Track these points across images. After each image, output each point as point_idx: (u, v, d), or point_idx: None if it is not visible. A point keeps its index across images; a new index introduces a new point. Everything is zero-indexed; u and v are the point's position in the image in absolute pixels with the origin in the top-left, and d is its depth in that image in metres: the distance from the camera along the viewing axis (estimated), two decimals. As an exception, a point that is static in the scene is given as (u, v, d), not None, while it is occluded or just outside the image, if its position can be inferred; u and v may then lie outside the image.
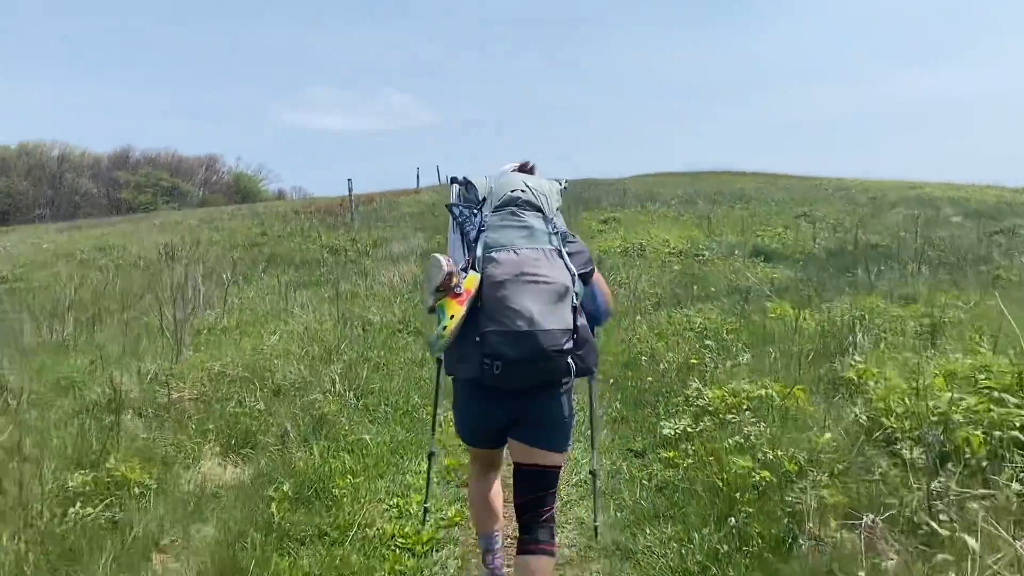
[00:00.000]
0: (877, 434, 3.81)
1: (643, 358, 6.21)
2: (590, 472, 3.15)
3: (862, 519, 3.04)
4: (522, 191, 2.62)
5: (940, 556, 2.66)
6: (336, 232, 16.56)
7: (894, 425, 3.78)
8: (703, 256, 11.46)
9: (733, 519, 3.30)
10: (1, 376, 5.63)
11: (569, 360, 2.35)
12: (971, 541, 2.58)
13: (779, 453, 3.77)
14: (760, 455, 3.82)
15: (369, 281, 10.63)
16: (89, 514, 3.58)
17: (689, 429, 4.50)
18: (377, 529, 3.64)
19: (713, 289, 8.60)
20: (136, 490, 3.87)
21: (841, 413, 4.22)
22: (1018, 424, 3.42)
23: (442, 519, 3.81)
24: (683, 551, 3.25)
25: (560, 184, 2.80)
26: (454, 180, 2.78)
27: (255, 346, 6.78)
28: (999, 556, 2.56)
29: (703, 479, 3.83)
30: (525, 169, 2.91)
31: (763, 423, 4.28)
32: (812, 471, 3.55)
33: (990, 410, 3.56)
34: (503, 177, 2.73)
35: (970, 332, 5.80)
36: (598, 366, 2.65)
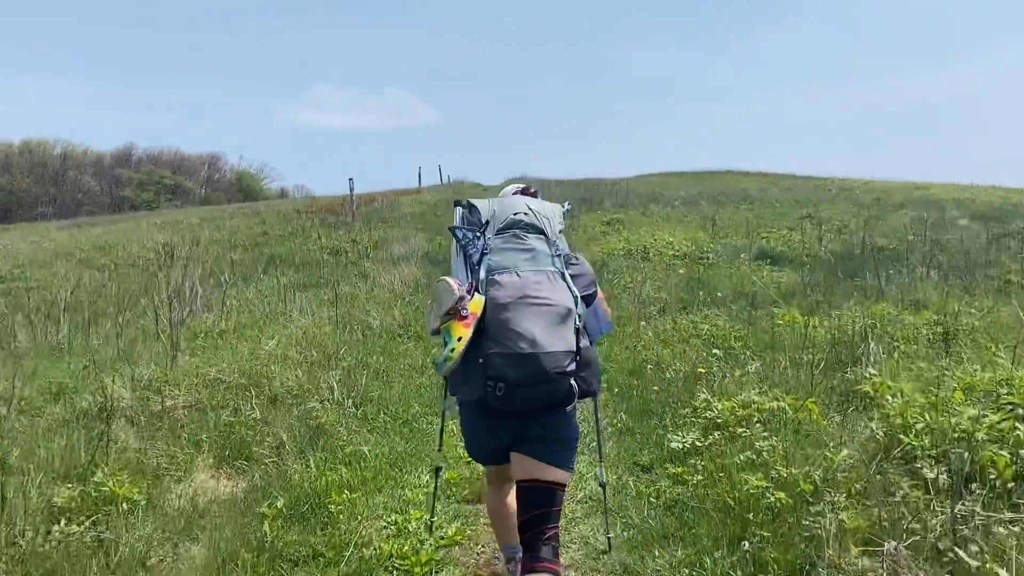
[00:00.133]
0: (896, 451, 3.66)
1: (649, 366, 6.06)
2: (599, 485, 3.09)
3: (884, 545, 2.89)
4: (524, 214, 2.64)
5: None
6: (337, 232, 16.41)
7: (913, 442, 3.62)
8: (708, 259, 11.30)
9: (747, 543, 3.15)
10: (-9, 382, 5.50)
11: (572, 382, 2.38)
12: (1004, 574, 2.43)
13: (793, 471, 3.62)
14: (773, 472, 3.67)
15: (369, 284, 10.48)
16: (74, 532, 3.44)
17: (698, 443, 4.35)
18: (374, 548, 3.49)
19: (720, 294, 8.44)
20: (124, 506, 3.73)
21: (856, 428, 4.07)
22: (1046, 444, 3.27)
23: (442, 538, 3.66)
24: (695, 576, 3.10)
25: (563, 207, 2.82)
26: (457, 203, 2.81)
27: (252, 351, 6.63)
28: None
29: (714, 497, 3.68)
30: (527, 193, 2.93)
31: (775, 437, 4.12)
32: (828, 491, 3.40)
33: (1015, 428, 3.40)
34: (506, 200, 2.76)
35: (986, 341, 5.65)
36: (601, 380, 2.65)
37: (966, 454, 3.35)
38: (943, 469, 3.40)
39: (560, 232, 2.68)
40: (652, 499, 3.90)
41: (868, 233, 11.58)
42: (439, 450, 3.14)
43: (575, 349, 2.39)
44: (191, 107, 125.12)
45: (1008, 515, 2.97)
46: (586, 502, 4.06)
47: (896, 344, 5.75)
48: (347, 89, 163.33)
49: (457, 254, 2.71)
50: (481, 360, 2.36)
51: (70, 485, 3.85)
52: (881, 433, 3.86)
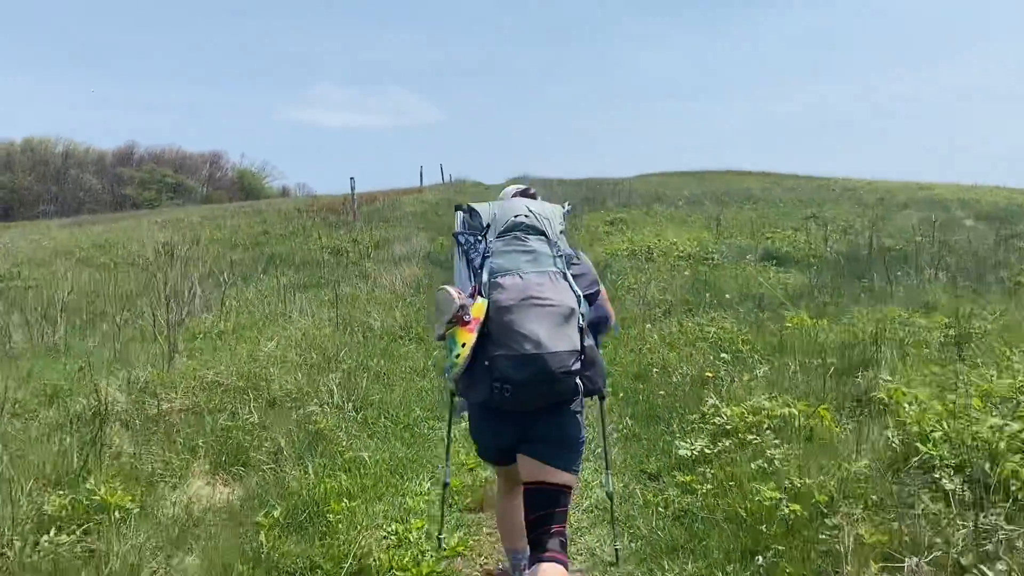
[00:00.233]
0: (913, 461, 3.54)
1: (654, 370, 5.95)
2: (607, 494, 3.02)
3: (904, 561, 2.77)
4: (525, 216, 2.65)
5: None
6: (338, 232, 16.30)
7: (932, 451, 3.50)
8: (713, 260, 11.17)
9: (760, 557, 3.04)
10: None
11: (577, 381, 2.41)
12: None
13: (807, 481, 3.50)
14: (786, 482, 3.55)
15: (370, 284, 10.37)
16: (64, 542, 3.33)
17: (707, 450, 4.23)
18: (374, 560, 3.38)
19: (728, 296, 8.31)
20: (116, 514, 3.61)
21: (870, 436, 3.95)
22: (1070, 455, 3.15)
23: (444, 548, 3.54)
24: (706, 591, 2.99)
25: (563, 208, 2.83)
26: (458, 207, 2.83)
27: (251, 352, 6.52)
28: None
29: (724, 508, 3.56)
30: (527, 195, 2.94)
31: (787, 445, 4.01)
32: (844, 503, 3.28)
33: (1038, 438, 3.29)
34: (506, 203, 2.78)
35: (1000, 345, 5.53)
36: (606, 381, 2.67)
37: (988, 465, 3.24)
38: (963, 480, 3.28)
39: (561, 233, 2.69)
40: (660, 509, 3.79)
41: (876, 234, 11.44)
42: (447, 463, 3.00)
43: (580, 348, 2.41)
44: (193, 106, 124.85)
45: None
46: (592, 511, 3.94)
47: (908, 348, 5.63)
48: (349, 88, 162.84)
49: (459, 258, 2.72)
50: (487, 363, 2.38)
51: (61, 492, 3.73)
52: (897, 441, 3.74)
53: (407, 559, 3.38)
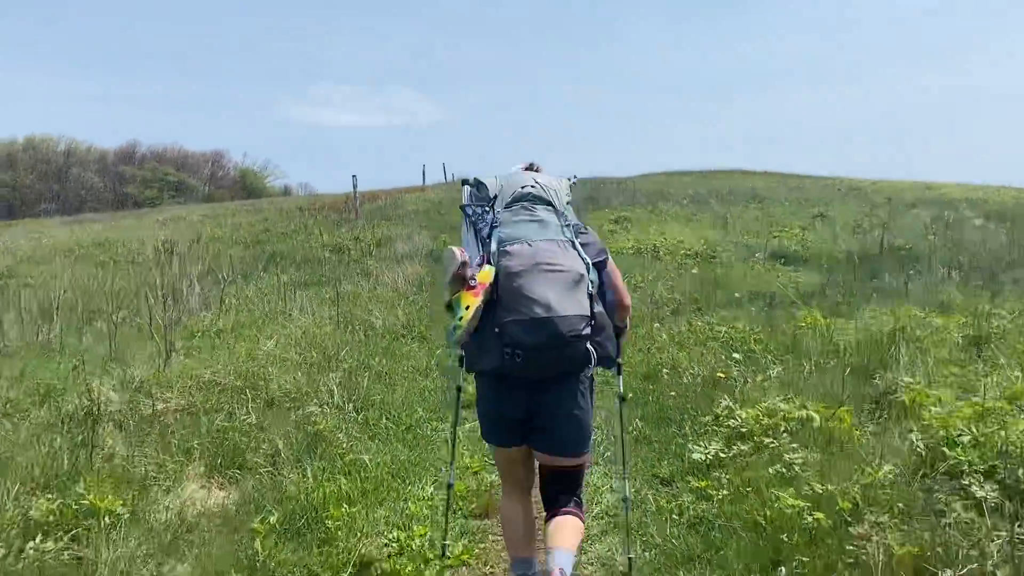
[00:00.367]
0: (940, 466, 3.37)
1: (664, 370, 5.78)
2: (622, 499, 2.96)
3: (938, 575, 2.61)
4: (532, 187, 2.67)
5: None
6: (339, 230, 16.15)
7: (960, 456, 3.34)
8: (720, 258, 11.01)
9: (783, 568, 2.87)
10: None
11: (588, 346, 2.41)
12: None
13: (828, 487, 3.33)
14: (806, 488, 3.39)
15: (372, 282, 10.22)
16: (50, 549, 3.17)
17: (721, 454, 4.07)
18: (375, 569, 3.23)
19: (737, 295, 8.15)
20: (106, 520, 3.45)
21: (893, 440, 3.78)
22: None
23: (448, 556, 3.38)
24: (726, 605, 2.82)
25: (569, 180, 2.85)
26: (465, 181, 2.82)
27: (250, 351, 6.37)
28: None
29: (742, 515, 3.40)
30: (532, 169, 2.94)
31: (805, 449, 3.84)
32: (869, 511, 3.11)
33: (1075, 443, 3.12)
34: (512, 175, 2.79)
35: (1021, 345, 5.36)
36: (620, 351, 2.71)
37: (1021, 471, 3.07)
38: (994, 487, 3.12)
39: (568, 204, 2.71)
40: (674, 516, 3.61)
41: (887, 233, 11.26)
42: (451, 463, 2.85)
43: (590, 313, 2.42)
44: (194, 104, 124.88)
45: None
46: (602, 518, 3.76)
47: (926, 348, 5.46)
48: (351, 87, 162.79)
49: (467, 230, 2.71)
50: (497, 329, 2.38)
51: (49, 496, 3.57)
52: (922, 446, 3.57)
53: (410, 568, 3.21)
